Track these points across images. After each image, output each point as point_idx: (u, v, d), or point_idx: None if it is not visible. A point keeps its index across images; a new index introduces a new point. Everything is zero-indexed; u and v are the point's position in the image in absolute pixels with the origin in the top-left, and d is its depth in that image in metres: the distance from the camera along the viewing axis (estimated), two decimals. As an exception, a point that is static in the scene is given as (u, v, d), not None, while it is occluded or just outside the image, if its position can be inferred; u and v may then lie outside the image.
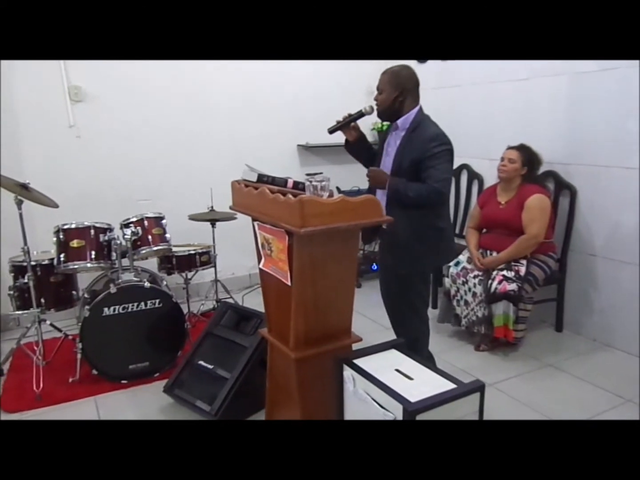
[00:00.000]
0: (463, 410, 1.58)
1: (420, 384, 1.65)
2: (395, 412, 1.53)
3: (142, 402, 2.64)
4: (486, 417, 1.68)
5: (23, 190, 2.70)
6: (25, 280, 2.83)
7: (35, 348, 2.95)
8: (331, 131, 2.37)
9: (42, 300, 2.92)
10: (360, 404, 1.71)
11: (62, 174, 3.57)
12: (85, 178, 3.66)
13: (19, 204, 2.70)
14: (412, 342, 2.28)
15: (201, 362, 2.58)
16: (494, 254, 3.11)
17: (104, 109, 3.66)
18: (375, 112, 2.35)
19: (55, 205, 2.89)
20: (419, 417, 1.47)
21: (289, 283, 1.87)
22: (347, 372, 1.79)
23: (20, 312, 2.95)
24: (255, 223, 2.03)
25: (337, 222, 1.75)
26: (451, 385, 1.63)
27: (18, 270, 2.94)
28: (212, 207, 3.50)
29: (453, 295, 3.19)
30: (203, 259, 3.50)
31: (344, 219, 1.77)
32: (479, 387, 1.61)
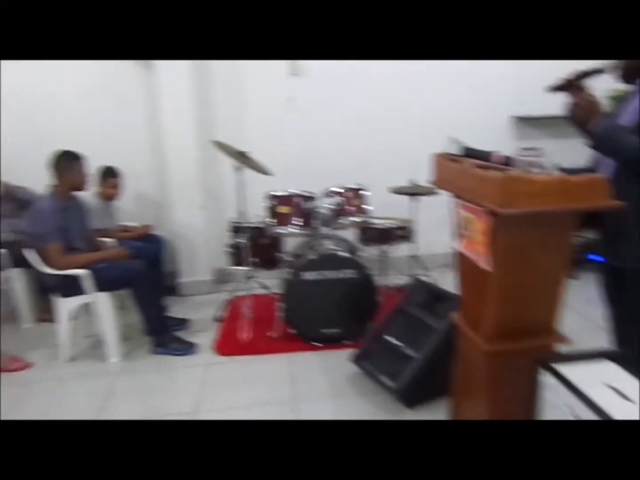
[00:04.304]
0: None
1: (643, 409, 1.34)
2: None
3: (331, 367, 2.74)
4: None
5: (243, 158, 2.96)
6: (241, 240, 3.13)
7: (245, 302, 3.27)
8: (552, 89, 1.85)
9: (254, 259, 3.21)
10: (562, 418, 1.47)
11: (278, 144, 3.84)
12: (298, 149, 3.90)
13: (239, 170, 2.97)
14: None
15: (390, 338, 2.56)
16: None
17: (319, 84, 3.82)
18: (615, 72, 1.77)
19: (270, 174, 3.11)
20: None
21: (487, 268, 1.69)
22: (547, 379, 1.56)
23: (235, 267, 3.30)
24: (455, 200, 1.88)
25: (549, 205, 1.50)
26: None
27: (235, 230, 3.28)
28: (415, 180, 3.40)
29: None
30: (401, 233, 3.45)
31: (559, 201, 1.51)
32: None
